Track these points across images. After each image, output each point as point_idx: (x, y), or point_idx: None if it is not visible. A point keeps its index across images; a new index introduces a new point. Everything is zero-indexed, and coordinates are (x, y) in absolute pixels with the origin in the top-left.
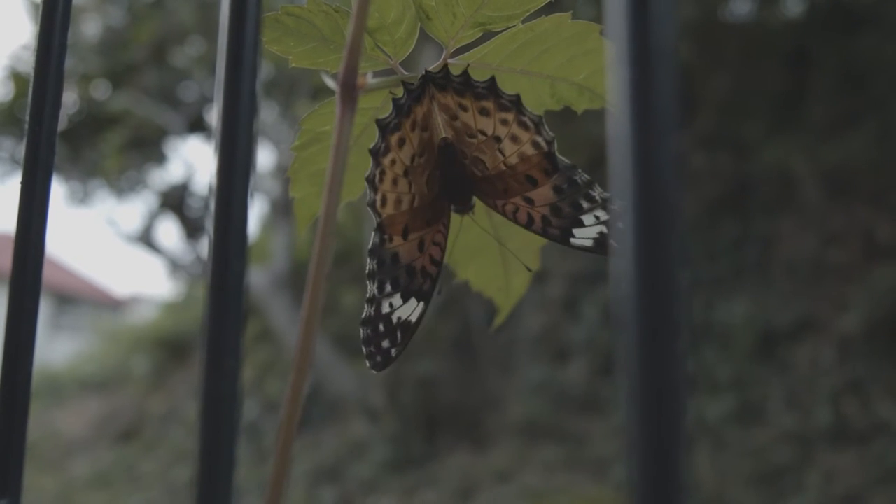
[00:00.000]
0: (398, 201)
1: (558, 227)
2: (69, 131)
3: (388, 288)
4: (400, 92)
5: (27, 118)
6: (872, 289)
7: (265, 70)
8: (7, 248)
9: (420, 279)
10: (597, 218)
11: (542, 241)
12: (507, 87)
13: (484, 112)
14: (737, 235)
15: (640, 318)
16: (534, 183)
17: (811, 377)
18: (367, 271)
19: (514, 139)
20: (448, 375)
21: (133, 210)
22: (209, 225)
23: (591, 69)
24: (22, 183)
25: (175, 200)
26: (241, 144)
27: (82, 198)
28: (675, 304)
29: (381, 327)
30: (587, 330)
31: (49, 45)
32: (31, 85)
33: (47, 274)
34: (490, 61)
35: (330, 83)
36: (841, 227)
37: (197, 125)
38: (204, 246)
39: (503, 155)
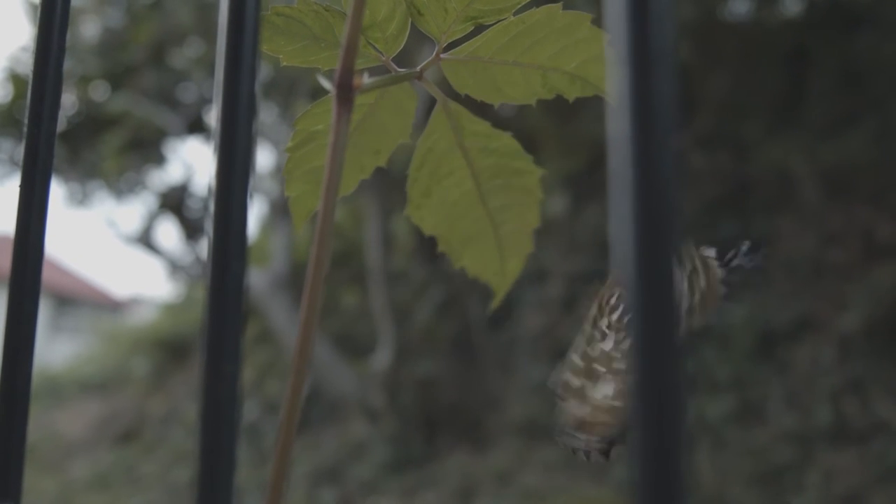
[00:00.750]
0: None
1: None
2: (68, 133)
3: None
4: (398, 91)
5: (26, 119)
6: (872, 288)
7: (264, 71)
8: (6, 250)
9: None
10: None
11: (535, 223)
12: (500, 79)
13: None
14: (736, 235)
15: (640, 318)
16: None
17: (811, 377)
18: None
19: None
20: (448, 376)
21: (132, 211)
22: (208, 226)
23: (582, 58)
24: (21, 184)
25: (174, 201)
26: (240, 145)
27: (81, 199)
28: (674, 303)
29: None
30: None
31: (47, 46)
32: (29, 86)
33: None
34: (482, 54)
35: (325, 83)
36: (840, 227)
37: (196, 126)
38: (203, 247)
39: None
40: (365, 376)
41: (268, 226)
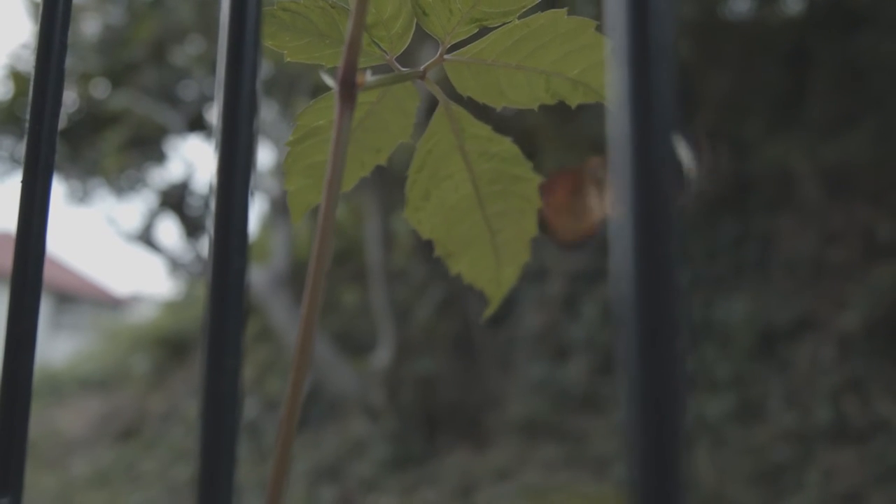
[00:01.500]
0: None
1: None
2: (69, 130)
3: None
4: (401, 90)
5: (27, 117)
6: (872, 287)
7: (265, 68)
8: (8, 247)
9: None
10: None
11: (532, 232)
12: (503, 82)
13: None
14: (736, 234)
15: (640, 317)
16: None
17: (811, 375)
18: None
19: None
20: (448, 374)
21: (133, 209)
22: (209, 224)
23: (585, 64)
24: (22, 182)
25: (175, 199)
26: (241, 143)
27: (82, 197)
28: (674, 302)
29: None
30: (587, 328)
31: (49, 43)
32: (31, 84)
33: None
34: (486, 57)
35: (328, 80)
36: (841, 226)
37: (197, 124)
38: (204, 245)
39: None
40: (365, 374)
41: (268, 223)
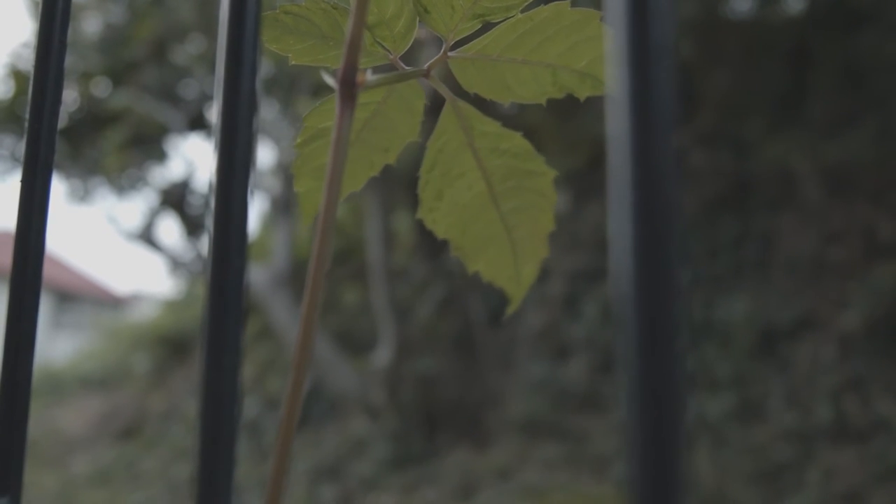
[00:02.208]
0: None
1: None
2: (70, 129)
3: None
4: (407, 89)
5: (27, 116)
6: (873, 286)
7: (265, 67)
8: (7, 246)
9: None
10: None
11: (549, 228)
12: (509, 77)
13: None
14: (737, 233)
15: (640, 316)
16: None
17: (811, 375)
18: None
19: None
20: (448, 373)
21: (134, 208)
22: (209, 222)
23: (592, 56)
24: (22, 180)
25: (175, 198)
26: (241, 142)
27: (83, 195)
28: (674, 301)
29: None
30: (587, 327)
31: (49, 42)
32: (31, 82)
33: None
34: (490, 52)
35: (329, 81)
36: (841, 225)
37: (197, 122)
38: (204, 243)
39: None
40: (365, 373)
41: (269, 222)
